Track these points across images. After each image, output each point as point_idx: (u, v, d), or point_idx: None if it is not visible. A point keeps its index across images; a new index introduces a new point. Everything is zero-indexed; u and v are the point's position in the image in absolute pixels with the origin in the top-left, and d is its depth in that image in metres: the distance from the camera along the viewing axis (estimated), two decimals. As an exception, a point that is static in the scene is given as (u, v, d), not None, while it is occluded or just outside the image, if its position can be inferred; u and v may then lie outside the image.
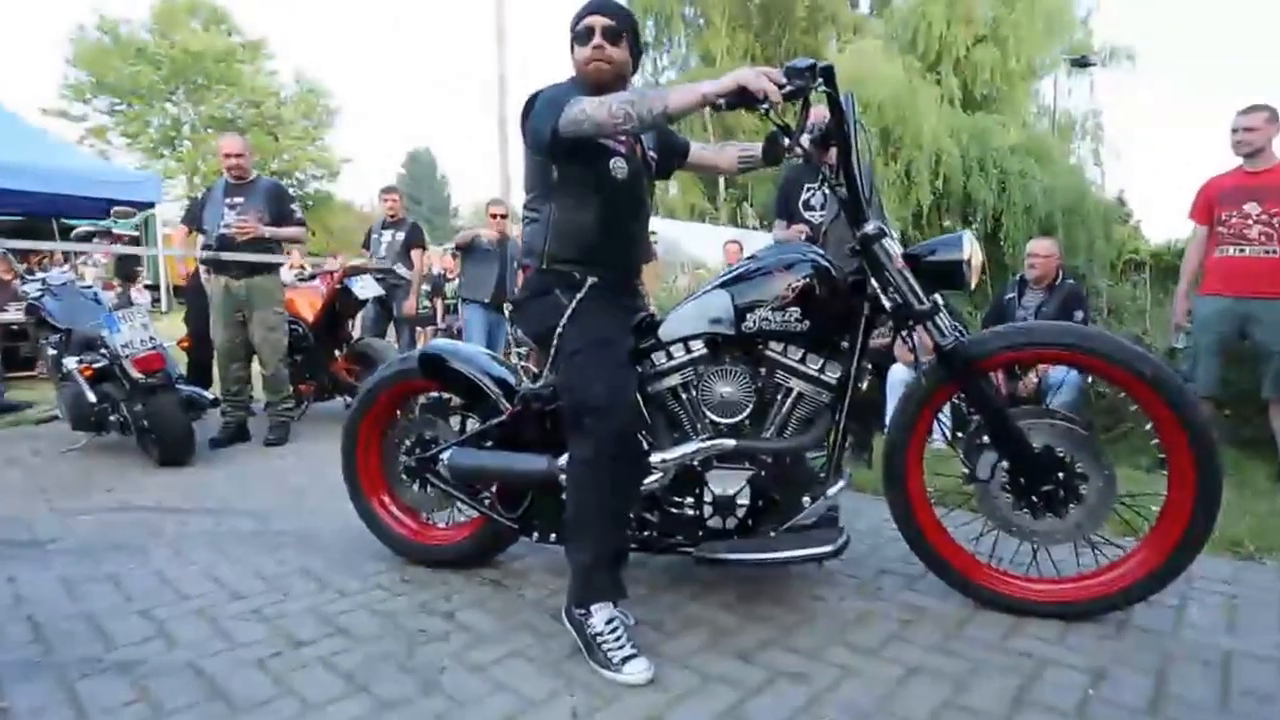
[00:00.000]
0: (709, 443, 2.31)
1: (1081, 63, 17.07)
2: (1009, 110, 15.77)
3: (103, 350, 4.45)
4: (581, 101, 2.08)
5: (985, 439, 2.25)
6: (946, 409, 2.56)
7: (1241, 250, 4.15)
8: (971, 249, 2.23)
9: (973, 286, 2.29)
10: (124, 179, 9.78)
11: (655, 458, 2.33)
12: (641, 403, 2.39)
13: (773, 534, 2.31)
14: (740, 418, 2.32)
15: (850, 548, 2.65)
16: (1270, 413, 4.17)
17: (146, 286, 8.85)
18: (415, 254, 6.70)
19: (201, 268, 5.30)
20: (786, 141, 2.16)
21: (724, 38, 21.20)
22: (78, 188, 8.64)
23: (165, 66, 29.19)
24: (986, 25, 15.40)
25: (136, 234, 9.86)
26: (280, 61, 44.16)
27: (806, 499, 2.31)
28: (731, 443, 2.30)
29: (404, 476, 2.82)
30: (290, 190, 5.78)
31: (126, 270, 9.82)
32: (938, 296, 2.25)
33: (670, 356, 2.39)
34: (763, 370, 2.33)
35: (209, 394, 5.15)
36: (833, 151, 2.26)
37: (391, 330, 7.04)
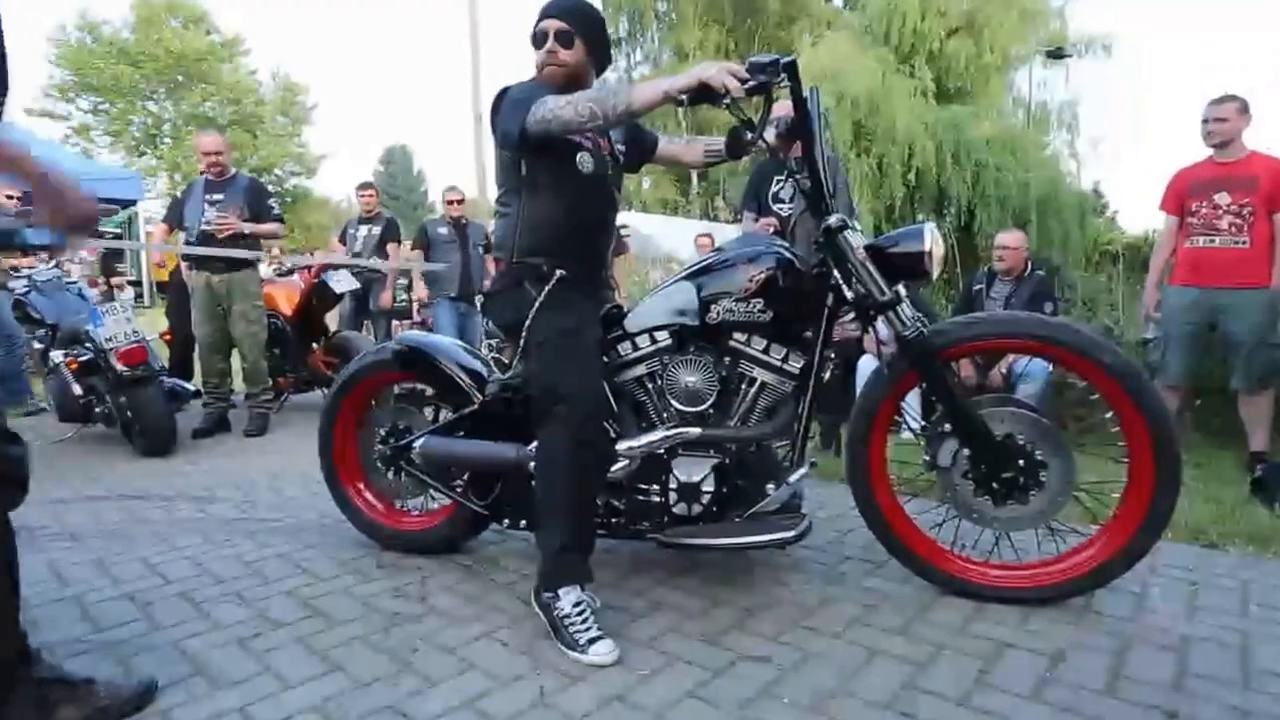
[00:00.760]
0: (674, 431, 2.36)
1: (1057, 54, 17.17)
2: (984, 103, 15.86)
3: (88, 344, 4.49)
4: (548, 101, 2.12)
5: (947, 427, 2.31)
6: (915, 398, 2.61)
7: (1212, 241, 4.21)
8: (933, 240, 2.28)
9: (934, 277, 2.34)
10: (107, 177, 9.76)
11: (622, 445, 2.37)
12: (609, 392, 2.44)
13: (736, 520, 2.37)
14: (704, 407, 2.37)
15: (815, 535, 2.75)
16: (1239, 403, 4.26)
17: (130, 283, 8.81)
18: (391, 248, 6.73)
19: (183, 263, 5.31)
20: (749, 136, 2.20)
21: (696, 32, 21.25)
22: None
23: (146, 66, 29.01)
24: (961, 17, 15.49)
25: (119, 232, 9.82)
26: (257, 59, 43.84)
27: (770, 486, 2.36)
28: (696, 431, 2.35)
29: (379, 464, 2.85)
30: (269, 187, 5.79)
31: (110, 267, 9.79)
32: (900, 287, 2.31)
33: (636, 347, 2.44)
34: (727, 360, 2.38)
35: (191, 386, 5.20)
36: (798, 145, 2.31)
37: (369, 324, 7.07)
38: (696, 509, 2.39)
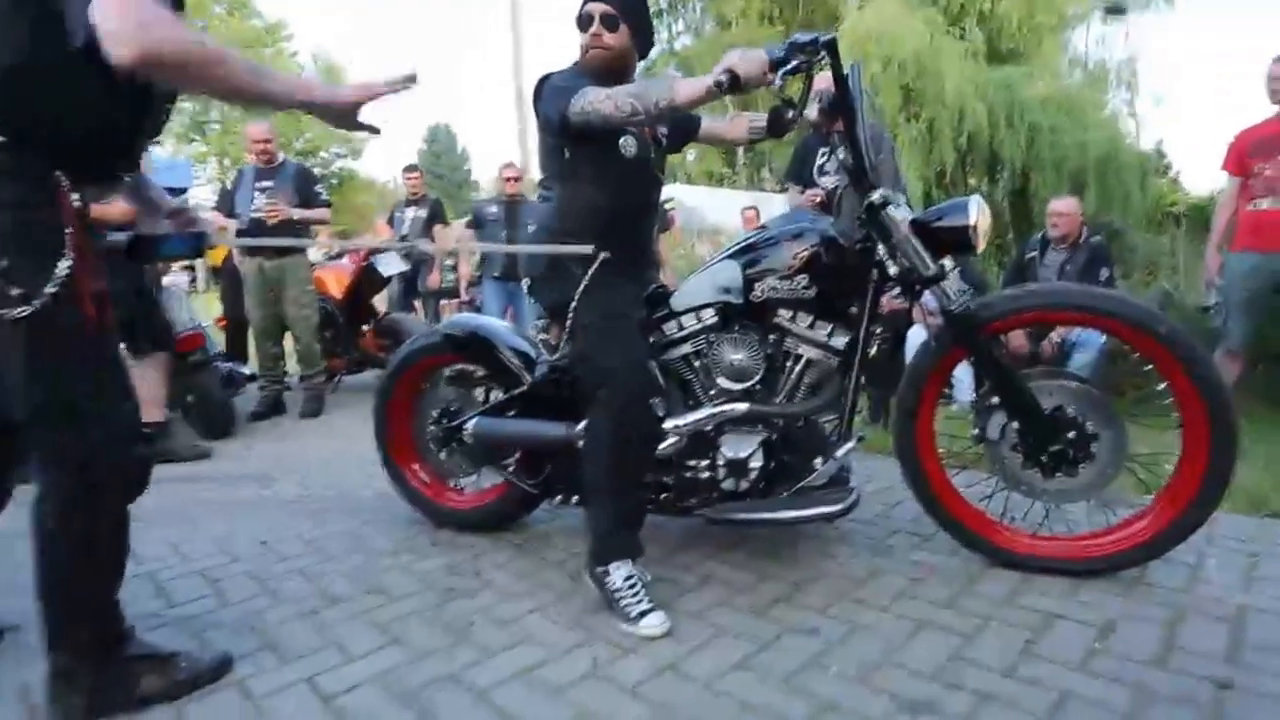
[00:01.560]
0: (721, 408, 2.39)
1: (1115, 9, 16.62)
2: (1038, 63, 15.41)
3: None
4: (589, 93, 2.12)
5: (994, 400, 2.30)
6: (966, 371, 2.59)
7: (1276, 203, 4.09)
8: (979, 213, 2.25)
9: (979, 250, 2.32)
10: (157, 166, 10.00)
11: (670, 423, 2.41)
12: (657, 370, 2.48)
13: (785, 495, 2.39)
14: (751, 383, 2.39)
15: (863, 508, 2.77)
16: None
17: (184, 268, 9.05)
18: (437, 229, 6.81)
19: (234, 251, 5.45)
20: (790, 114, 2.20)
21: (739, 0, 20.93)
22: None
23: (192, 54, 29.68)
24: (1013, -24, 15.06)
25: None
26: (299, 42, 44.32)
27: (818, 461, 2.37)
28: (743, 407, 2.37)
29: (432, 445, 2.92)
30: (315, 170, 5.90)
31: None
32: (946, 261, 2.30)
33: (682, 326, 2.46)
34: (772, 337, 2.40)
35: (247, 370, 5.34)
36: (840, 120, 2.30)
37: (418, 304, 7.18)
38: (744, 485, 2.42)
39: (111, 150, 1.71)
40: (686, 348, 2.48)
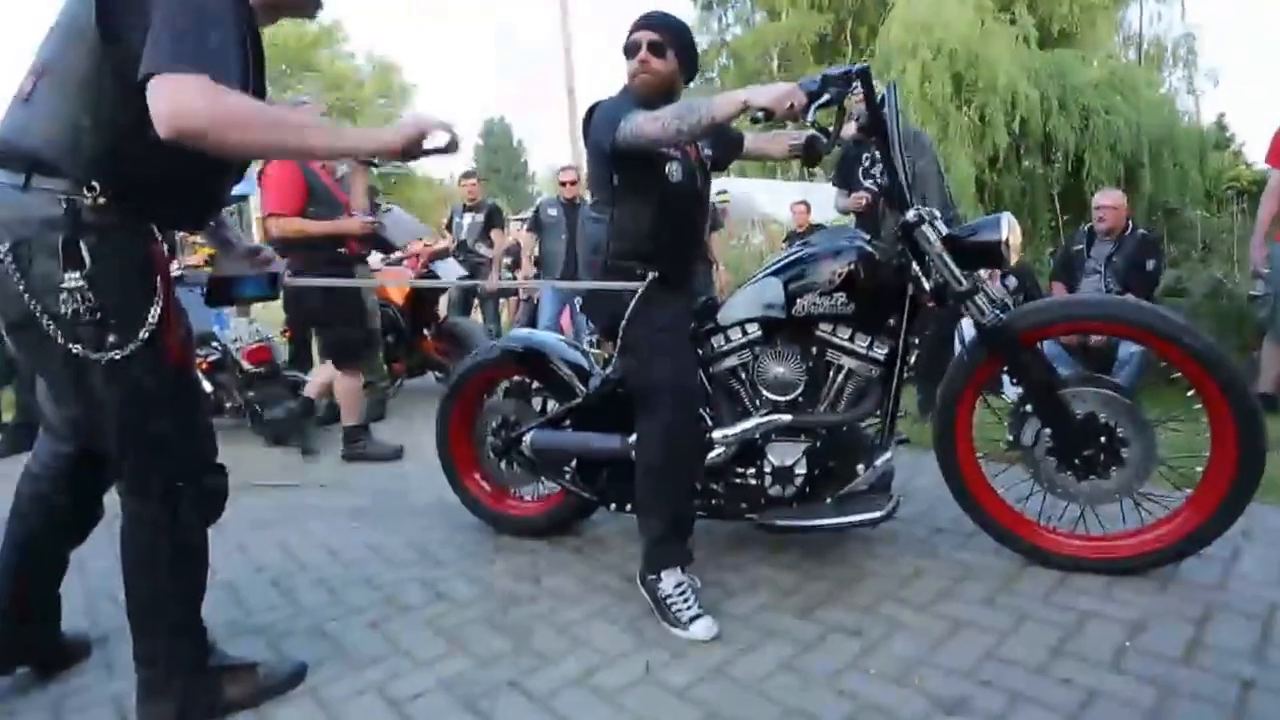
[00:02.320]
0: (767, 418, 2.51)
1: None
2: (1091, 44, 15.17)
3: (216, 344, 4.89)
4: (636, 117, 2.25)
5: (1028, 408, 2.39)
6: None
7: None
8: (1010, 229, 2.34)
9: (1011, 264, 2.41)
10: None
11: (718, 434, 2.54)
12: (705, 382, 2.61)
13: (829, 500, 2.50)
14: (795, 394, 2.51)
15: (909, 505, 2.90)
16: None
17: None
18: (495, 234, 6.99)
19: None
20: (824, 142, 2.31)
21: (788, -11, 20.83)
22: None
23: (253, 59, 30.42)
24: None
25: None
26: (353, 44, 45.09)
27: (860, 467, 2.49)
28: (788, 418, 2.49)
29: (492, 455, 3.09)
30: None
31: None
32: (982, 273, 2.40)
33: (728, 339, 2.59)
34: (814, 349, 2.51)
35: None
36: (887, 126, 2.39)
37: (476, 306, 7.37)
38: (790, 491, 2.54)
39: (199, 203, 1.89)
40: (733, 360, 2.60)
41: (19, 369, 4.69)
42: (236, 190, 8.31)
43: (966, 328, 4.53)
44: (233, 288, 2.24)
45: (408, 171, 33.41)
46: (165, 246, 1.79)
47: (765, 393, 2.54)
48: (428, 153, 1.78)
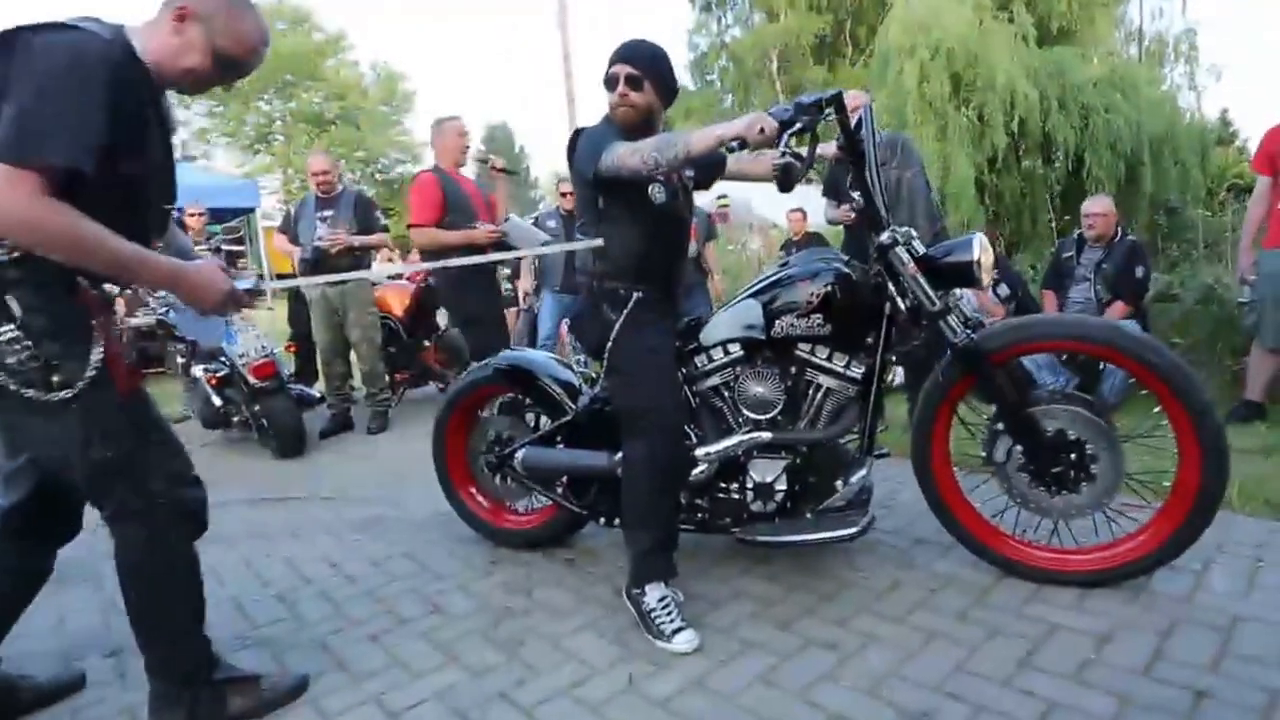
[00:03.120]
0: (747, 436, 2.59)
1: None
2: (1091, 41, 15.16)
3: (224, 359, 5.01)
4: (617, 149, 2.33)
5: (1000, 426, 2.47)
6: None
7: None
8: (981, 250, 2.42)
9: (984, 285, 2.49)
10: (226, 187, 10.48)
11: (701, 451, 2.62)
12: (690, 400, 2.69)
13: (809, 515, 2.59)
14: (774, 413, 2.59)
15: (890, 519, 3.01)
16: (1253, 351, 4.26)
17: (258, 275, 9.49)
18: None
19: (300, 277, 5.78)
20: (798, 169, 2.37)
21: (786, -8, 20.91)
22: (184, 198, 9.30)
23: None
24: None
25: (240, 231, 10.52)
26: (357, 52, 45.33)
27: (839, 483, 2.57)
28: (767, 435, 2.58)
29: (486, 470, 3.18)
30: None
31: (233, 260, 10.56)
32: (957, 292, 2.48)
33: (711, 359, 2.67)
34: (793, 369, 2.59)
35: (316, 392, 5.68)
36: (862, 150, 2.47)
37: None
38: (771, 506, 2.62)
39: None
40: (716, 379, 2.68)
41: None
42: (242, 203, 8.47)
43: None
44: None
45: (411, 178, 33.63)
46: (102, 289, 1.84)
47: (746, 411, 2.63)
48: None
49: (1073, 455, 2.38)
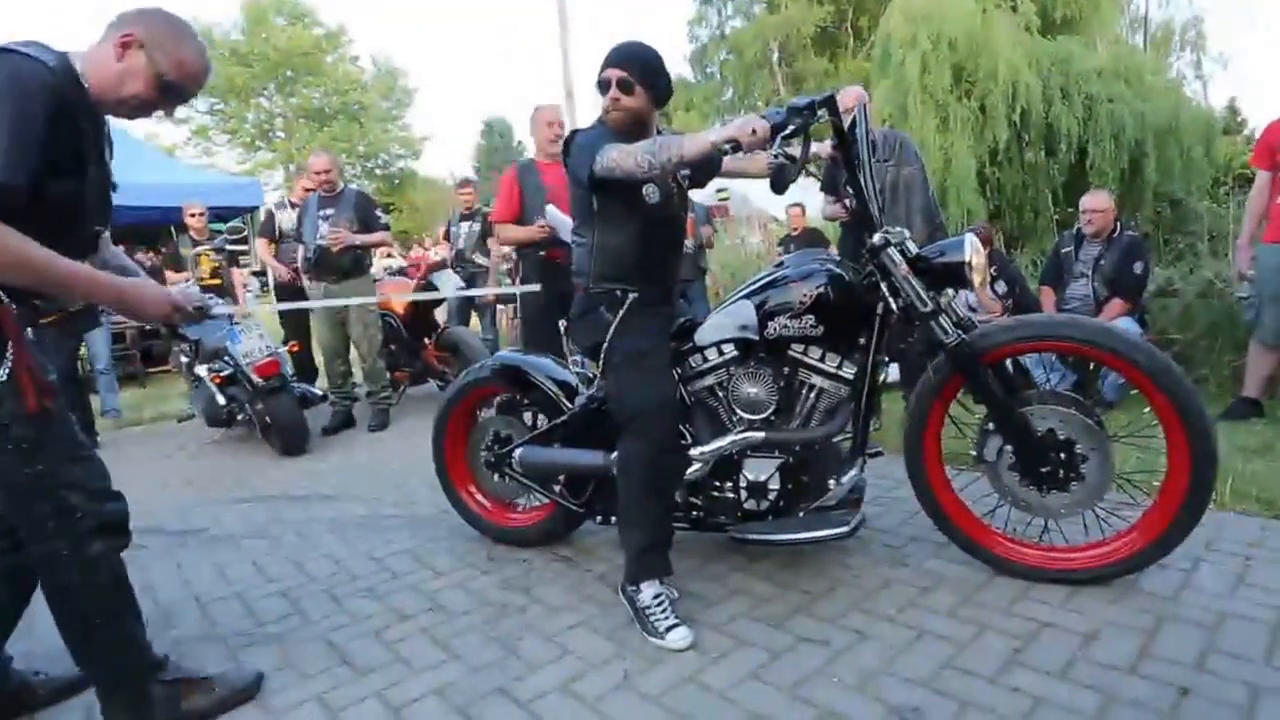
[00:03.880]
0: (741, 435, 2.62)
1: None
2: (1096, 30, 15.09)
3: (227, 359, 5.05)
4: (611, 151, 2.35)
5: (991, 425, 2.49)
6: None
7: None
8: (973, 251, 2.44)
9: (976, 285, 2.51)
10: (228, 185, 10.50)
11: (696, 450, 2.66)
12: (685, 400, 2.73)
13: (802, 514, 2.62)
14: (768, 413, 2.62)
15: (884, 516, 3.05)
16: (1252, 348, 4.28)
17: (254, 273, 9.51)
18: (492, 242, 7.10)
19: (302, 274, 5.83)
20: (791, 172, 2.40)
21: (787, -18, 20.84)
22: (187, 197, 9.37)
23: (256, 65, 30.62)
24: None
25: (244, 231, 10.56)
26: (357, 47, 45.37)
27: (832, 482, 2.60)
28: (761, 435, 2.61)
29: (485, 469, 3.22)
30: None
31: (234, 258, 10.64)
32: (950, 291, 2.51)
33: (705, 359, 2.70)
34: (786, 369, 2.61)
35: (318, 390, 5.74)
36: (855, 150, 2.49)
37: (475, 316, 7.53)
38: (765, 504, 2.66)
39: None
40: (710, 379, 2.71)
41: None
42: (245, 202, 8.48)
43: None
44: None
45: (411, 173, 33.62)
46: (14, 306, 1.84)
47: (740, 411, 2.66)
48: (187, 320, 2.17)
49: (1063, 455, 2.40)
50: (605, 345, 2.58)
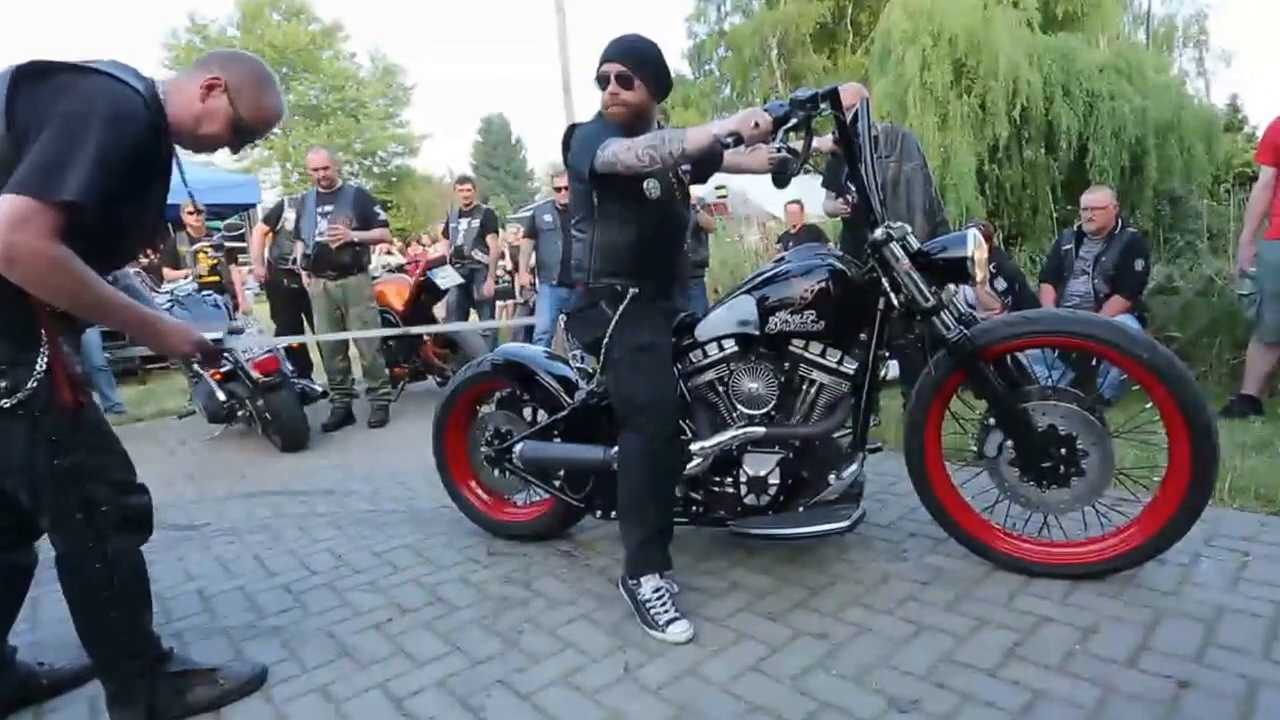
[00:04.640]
0: (741, 430, 2.63)
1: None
2: (1098, 26, 15.05)
3: (227, 356, 5.04)
4: (612, 144, 2.35)
5: (991, 421, 2.50)
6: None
7: None
8: (975, 246, 2.45)
9: (978, 280, 2.51)
10: (227, 184, 10.44)
11: (696, 445, 2.66)
12: (685, 395, 2.73)
13: (801, 509, 2.63)
14: (768, 408, 2.63)
15: (885, 511, 3.05)
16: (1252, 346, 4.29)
17: (251, 272, 9.54)
18: (490, 239, 7.14)
19: (301, 270, 5.83)
20: (793, 165, 2.41)
21: (788, -23, 20.80)
22: (184, 194, 9.33)
23: (252, 61, 30.73)
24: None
25: (242, 228, 10.57)
26: (355, 43, 45.26)
27: (832, 477, 2.60)
28: (761, 430, 2.61)
29: (485, 464, 3.23)
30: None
31: (233, 256, 10.63)
32: (952, 287, 2.51)
33: (706, 354, 2.71)
34: (787, 365, 2.62)
35: (318, 387, 5.74)
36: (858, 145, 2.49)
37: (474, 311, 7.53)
38: (765, 499, 2.66)
39: None
40: (710, 374, 2.72)
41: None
42: (243, 199, 8.52)
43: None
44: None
45: (409, 170, 33.55)
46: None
47: (740, 406, 2.66)
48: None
49: (1063, 450, 2.40)
50: (606, 340, 2.58)
